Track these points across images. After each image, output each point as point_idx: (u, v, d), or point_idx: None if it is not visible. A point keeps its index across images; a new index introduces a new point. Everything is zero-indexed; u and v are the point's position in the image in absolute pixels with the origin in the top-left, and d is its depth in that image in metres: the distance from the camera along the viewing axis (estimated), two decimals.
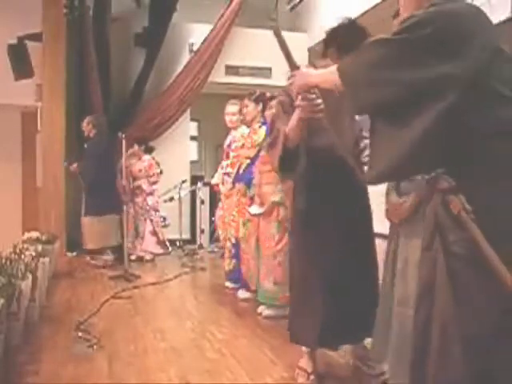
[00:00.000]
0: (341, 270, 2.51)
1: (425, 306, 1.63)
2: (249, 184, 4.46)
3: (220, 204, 5.23)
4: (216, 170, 5.74)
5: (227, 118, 5.03)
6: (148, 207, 6.85)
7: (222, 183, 5.09)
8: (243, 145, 4.68)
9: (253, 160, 4.46)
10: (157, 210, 6.97)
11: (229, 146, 5.03)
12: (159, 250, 6.95)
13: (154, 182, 6.93)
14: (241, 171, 4.62)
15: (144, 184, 6.84)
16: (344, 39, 2.44)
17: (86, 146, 6.56)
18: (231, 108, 4.99)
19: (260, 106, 4.47)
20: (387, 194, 2.28)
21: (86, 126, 6.46)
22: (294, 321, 2.73)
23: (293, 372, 2.82)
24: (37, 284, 3.78)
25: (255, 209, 4.09)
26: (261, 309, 4.01)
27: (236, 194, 4.67)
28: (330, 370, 2.88)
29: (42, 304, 4.09)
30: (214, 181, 5.45)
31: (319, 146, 2.53)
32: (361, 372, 2.81)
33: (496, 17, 4.09)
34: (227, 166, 4.94)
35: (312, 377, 2.70)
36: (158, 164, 6.97)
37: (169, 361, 3.04)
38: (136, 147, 6.91)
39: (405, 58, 1.52)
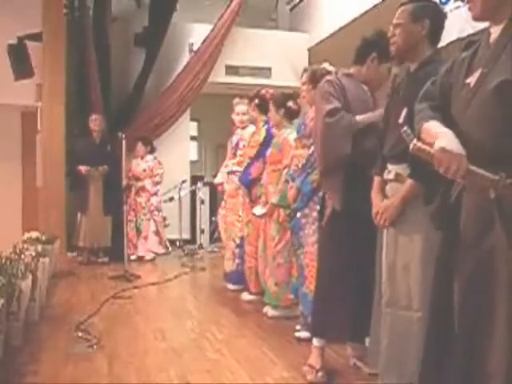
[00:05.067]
0: (368, 268, 2.50)
1: (472, 306, 1.56)
2: (247, 185, 4.45)
3: (223, 203, 5.19)
4: (217, 170, 5.71)
5: (237, 118, 4.95)
6: (153, 207, 6.86)
7: (227, 182, 5.06)
8: (248, 144, 4.69)
9: (252, 160, 4.46)
10: (160, 210, 6.98)
11: (236, 144, 4.98)
12: (161, 250, 6.96)
13: (158, 183, 6.94)
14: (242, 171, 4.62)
15: (148, 184, 6.85)
16: (385, 47, 2.50)
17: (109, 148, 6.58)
18: (241, 107, 4.92)
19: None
20: (374, 197, 2.30)
21: (100, 124, 6.51)
22: (322, 316, 2.76)
23: (293, 372, 2.82)
24: (37, 284, 3.77)
25: (259, 209, 4.08)
26: (266, 309, 4.01)
27: (241, 194, 4.66)
28: (332, 368, 2.87)
29: (41, 304, 4.09)
30: (216, 180, 5.41)
31: (362, 147, 2.58)
32: (361, 371, 2.81)
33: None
34: (233, 164, 4.91)
35: (320, 373, 2.71)
36: (160, 164, 6.98)
37: (169, 361, 3.04)
38: (142, 147, 6.91)
39: None
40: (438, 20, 2.21)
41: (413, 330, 2.07)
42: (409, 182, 2.09)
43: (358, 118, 2.62)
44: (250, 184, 4.41)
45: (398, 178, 2.17)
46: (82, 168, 6.31)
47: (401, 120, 2.11)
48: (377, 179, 2.30)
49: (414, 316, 2.08)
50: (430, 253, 2.05)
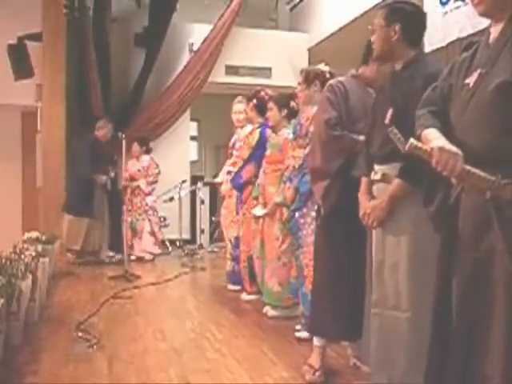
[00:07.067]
0: (364, 268, 2.51)
1: (470, 308, 1.57)
2: (238, 188, 4.44)
3: (224, 203, 5.19)
4: (217, 170, 5.71)
5: (234, 117, 4.90)
6: (147, 207, 6.85)
7: (225, 182, 5.03)
8: (242, 145, 4.68)
9: (244, 162, 4.45)
10: (155, 211, 6.96)
11: (233, 145, 4.98)
12: (157, 251, 6.93)
13: (153, 182, 6.93)
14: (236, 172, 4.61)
15: (142, 184, 6.83)
16: None
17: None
18: (238, 106, 4.87)
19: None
20: (360, 198, 2.30)
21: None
22: (318, 315, 2.76)
23: (293, 372, 2.82)
24: (37, 284, 3.77)
25: (259, 210, 4.07)
26: (266, 309, 4.01)
27: (235, 195, 4.65)
28: (331, 368, 2.88)
29: (42, 304, 4.08)
30: (218, 179, 5.41)
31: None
32: (361, 371, 2.81)
33: None
34: (230, 165, 4.91)
35: (318, 373, 2.71)
36: (156, 164, 6.97)
37: (169, 361, 3.04)
38: (137, 147, 6.90)
39: None
40: (411, 22, 2.17)
41: (401, 330, 2.07)
42: (396, 181, 2.08)
43: (362, 138, 2.61)
44: (241, 187, 4.41)
45: (384, 179, 2.16)
46: (103, 178, 6.32)
47: (387, 120, 2.11)
48: (364, 180, 2.30)
49: (402, 316, 2.07)
50: (418, 253, 2.05)
